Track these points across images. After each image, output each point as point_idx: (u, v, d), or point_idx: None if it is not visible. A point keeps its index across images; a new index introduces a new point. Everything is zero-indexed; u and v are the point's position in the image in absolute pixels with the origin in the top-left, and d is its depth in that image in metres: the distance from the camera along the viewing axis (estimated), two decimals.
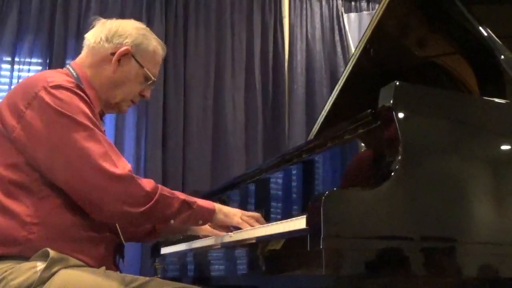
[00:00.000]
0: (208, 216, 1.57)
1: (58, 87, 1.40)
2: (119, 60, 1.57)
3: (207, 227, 1.79)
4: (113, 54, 1.56)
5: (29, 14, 3.37)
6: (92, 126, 1.40)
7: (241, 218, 1.60)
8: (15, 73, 3.32)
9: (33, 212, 1.38)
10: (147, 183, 1.41)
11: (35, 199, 1.39)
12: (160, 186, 1.44)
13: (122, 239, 1.61)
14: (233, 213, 1.62)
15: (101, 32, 1.59)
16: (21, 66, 3.32)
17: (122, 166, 1.39)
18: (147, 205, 1.39)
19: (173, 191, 1.48)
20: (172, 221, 1.48)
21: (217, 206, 1.59)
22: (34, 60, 3.38)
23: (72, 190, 1.39)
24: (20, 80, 3.25)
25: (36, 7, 3.38)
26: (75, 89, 1.42)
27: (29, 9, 3.38)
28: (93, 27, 1.63)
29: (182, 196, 1.49)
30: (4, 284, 1.31)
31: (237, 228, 1.60)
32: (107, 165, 1.36)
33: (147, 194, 1.39)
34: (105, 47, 1.57)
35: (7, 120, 1.40)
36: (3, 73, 3.35)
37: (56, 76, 1.47)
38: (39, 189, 1.39)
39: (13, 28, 3.33)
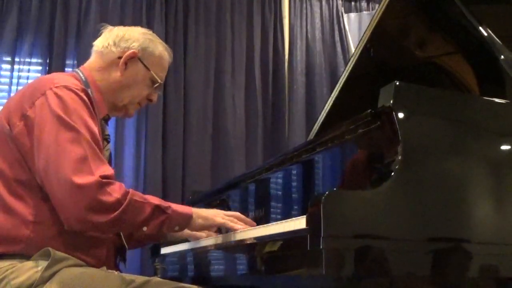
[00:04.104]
0: (184, 222, 1.51)
1: (63, 87, 1.43)
2: (126, 63, 1.60)
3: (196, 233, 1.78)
4: (120, 57, 1.60)
5: (29, 14, 3.37)
6: (80, 129, 1.38)
7: (222, 218, 1.58)
8: (15, 73, 3.31)
9: (36, 211, 1.39)
10: (118, 189, 1.36)
11: (38, 198, 1.40)
12: (131, 191, 1.39)
13: (124, 241, 1.61)
14: (213, 215, 1.58)
15: (108, 38, 1.63)
16: (21, 66, 3.32)
17: (100, 171, 1.35)
18: (116, 212, 1.34)
19: (146, 196, 1.43)
20: (145, 228, 1.41)
21: (195, 210, 1.54)
22: (34, 60, 3.37)
23: (49, 195, 1.38)
24: (20, 80, 3.28)
25: (36, 7, 3.38)
26: (79, 92, 1.44)
27: (29, 9, 3.37)
28: (100, 34, 1.67)
29: (155, 201, 1.44)
30: (5, 283, 1.32)
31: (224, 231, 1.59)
32: (76, 173, 1.32)
33: (116, 201, 1.34)
34: (113, 51, 1.61)
35: (13, 119, 1.43)
36: (3, 73, 3.34)
37: (64, 78, 1.50)
38: (41, 188, 1.40)
39: (13, 28, 3.33)
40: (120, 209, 1.35)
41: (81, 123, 1.39)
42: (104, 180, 1.34)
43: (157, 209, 1.43)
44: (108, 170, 1.38)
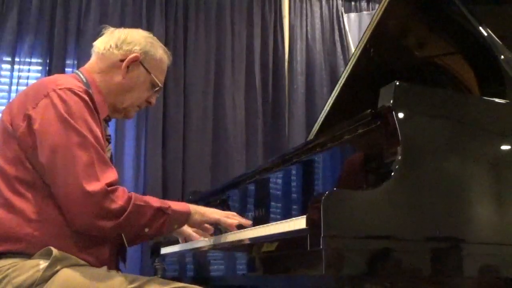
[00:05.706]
0: (183, 220, 1.56)
1: (67, 90, 1.43)
2: (128, 66, 1.61)
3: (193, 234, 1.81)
4: (122, 60, 1.61)
5: (29, 14, 3.37)
6: (86, 134, 1.40)
7: (218, 215, 1.63)
8: (15, 73, 3.31)
9: (38, 209, 1.39)
10: (122, 195, 1.39)
11: (40, 197, 1.40)
12: (134, 195, 1.42)
13: (125, 241, 1.61)
14: (210, 211, 1.63)
15: (110, 40, 1.64)
16: (21, 66, 3.32)
17: (105, 177, 1.37)
18: (120, 218, 1.38)
19: (146, 199, 1.46)
20: (147, 230, 1.45)
21: (192, 207, 1.58)
22: (34, 60, 3.37)
23: (55, 195, 1.40)
24: (20, 80, 3.28)
25: (36, 7, 3.38)
26: (82, 94, 1.45)
27: (29, 9, 3.37)
28: (101, 35, 1.68)
29: (156, 203, 1.47)
30: (7, 282, 1.32)
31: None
32: (86, 179, 1.35)
33: (120, 208, 1.37)
34: (115, 53, 1.62)
35: (16, 119, 1.44)
36: (3, 73, 3.34)
37: (67, 80, 1.50)
38: (45, 187, 1.41)
39: (13, 28, 3.33)
40: (124, 215, 1.38)
41: (86, 128, 1.41)
42: (109, 188, 1.37)
43: (158, 211, 1.46)
44: (113, 175, 1.41)
